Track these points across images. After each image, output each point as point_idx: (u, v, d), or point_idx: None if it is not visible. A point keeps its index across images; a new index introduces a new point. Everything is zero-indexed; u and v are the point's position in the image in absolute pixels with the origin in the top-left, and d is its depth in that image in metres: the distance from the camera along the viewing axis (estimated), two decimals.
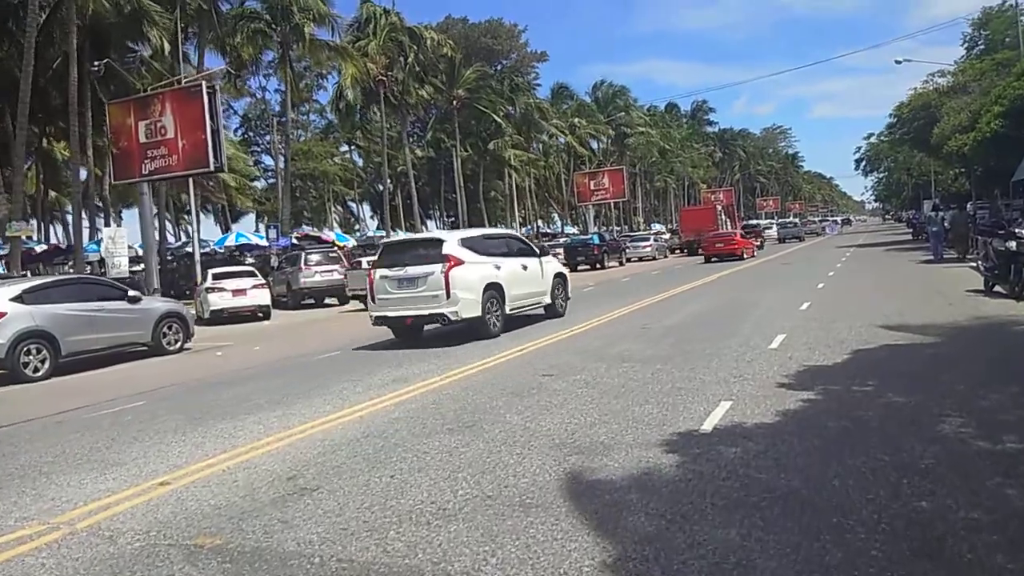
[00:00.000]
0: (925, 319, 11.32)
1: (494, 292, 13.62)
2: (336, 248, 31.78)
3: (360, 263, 27.77)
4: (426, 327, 14.01)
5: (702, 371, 8.58)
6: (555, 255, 41.97)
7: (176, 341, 15.01)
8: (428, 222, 75.71)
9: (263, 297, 21.87)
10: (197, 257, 26.75)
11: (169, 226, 54.07)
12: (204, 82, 23.42)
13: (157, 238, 33.54)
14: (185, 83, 24.67)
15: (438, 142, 58.53)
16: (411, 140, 66.23)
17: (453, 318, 12.99)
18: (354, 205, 73.43)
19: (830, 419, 6.14)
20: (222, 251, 34.98)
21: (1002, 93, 23.54)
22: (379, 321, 13.89)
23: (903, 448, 5.23)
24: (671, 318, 14.18)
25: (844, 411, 6.36)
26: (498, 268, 13.90)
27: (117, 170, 25.12)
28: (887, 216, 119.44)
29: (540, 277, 15.31)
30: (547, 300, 15.46)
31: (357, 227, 68.88)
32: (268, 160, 60.47)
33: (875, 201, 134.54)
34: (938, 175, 57.53)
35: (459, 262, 13.19)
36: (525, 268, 14.81)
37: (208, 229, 64.15)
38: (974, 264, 18.95)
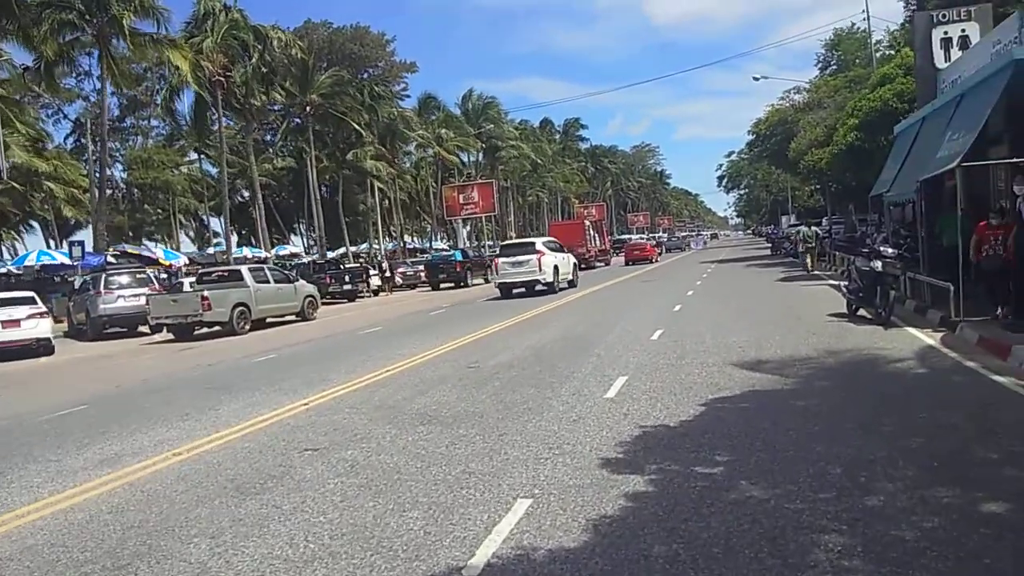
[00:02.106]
0: (786, 353, 9.76)
1: (556, 270, 25.36)
2: (158, 267, 28.07)
3: (181, 284, 24.51)
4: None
5: (512, 439, 6.50)
6: (417, 272, 40.02)
7: None
8: (293, 237, 71.57)
9: (43, 328, 18.28)
10: None
11: None
12: None
13: None
14: None
15: (299, 152, 54.80)
16: (269, 149, 62.17)
17: (543, 282, 24.60)
18: (209, 218, 68.30)
19: (658, 538, 4.13)
20: (20, 272, 30.35)
21: (856, 106, 23.18)
22: (501, 286, 25.27)
23: None
24: (509, 351, 12.14)
25: (679, 519, 4.38)
26: (555, 257, 25.76)
27: None
28: (748, 230, 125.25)
29: (569, 264, 27.41)
30: (571, 277, 27.25)
31: (216, 241, 63.93)
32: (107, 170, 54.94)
33: (737, 216, 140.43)
34: (795, 191, 59.31)
35: (543, 253, 25.09)
36: (564, 259, 26.83)
37: (37, 244, 57.76)
38: (834, 283, 18.13)
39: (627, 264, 47.65)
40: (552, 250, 26.01)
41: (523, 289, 25.07)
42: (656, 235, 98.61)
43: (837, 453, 5.43)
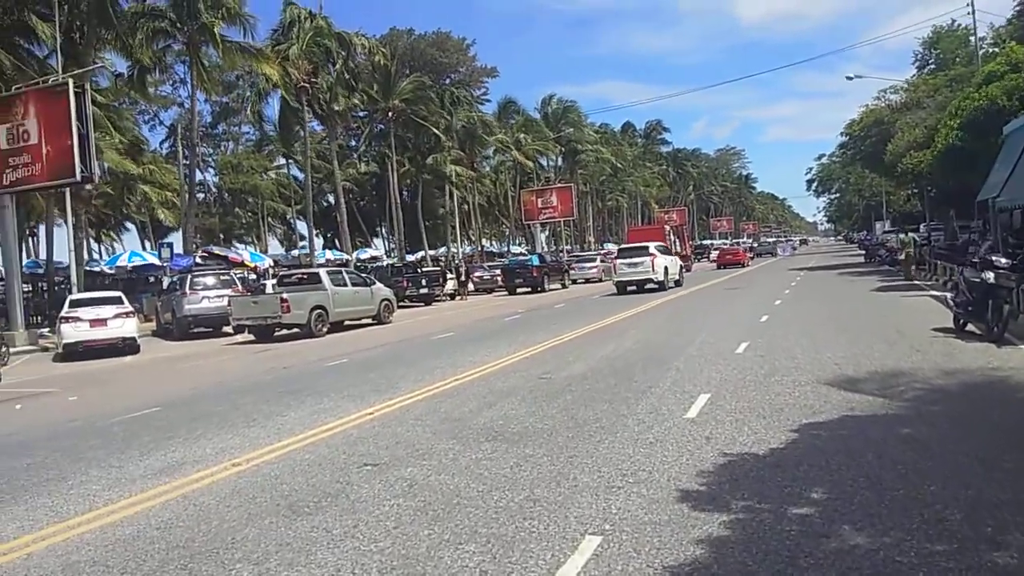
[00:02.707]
0: (888, 372, 8.93)
1: (666, 270, 28.82)
2: (244, 269, 28.69)
3: (263, 286, 24.96)
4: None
5: (582, 463, 6.01)
6: (493, 276, 39.89)
7: None
8: (375, 240, 72.53)
9: (128, 328, 18.77)
10: (74, 280, 23.55)
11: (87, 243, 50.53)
12: (71, 80, 20.34)
13: (44, 257, 30.29)
14: (51, 82, 21.51)
15: (382, 157, 55.66)
16: (353, 154, 63.30)
17: (655, 280, 28.05)
18: (297, 222, 69.98)
19: None
20: (113, 272, 31.58)
21: (960, 105, 21.67)
22: (618, 283, 28.56)
23: None
24: (583, 362, 11.64)
25: (770, 570, 3.81)
26: (665, 259, 29.34)
27: None
28: (839, 236, 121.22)
29: (676, 266, 31.04)
30: (678, 277, 30.59)
31: (302, 244, 65.51)
32: (199, 174, 57.15)
33: (827, 222, 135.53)
34: (890, 195, 56.57)
35: (655, 256, 28.57)
36: (672, 261, 30.49)
37: (134, 246, 60.44)
38: (937, 294, 16.95)
39: (719, 268, 51.06)
40: (662, 253, 29.86)
41: (635, 287, 28.34)
42: (741, 241, 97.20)
43: (955, 494, 4.73)
